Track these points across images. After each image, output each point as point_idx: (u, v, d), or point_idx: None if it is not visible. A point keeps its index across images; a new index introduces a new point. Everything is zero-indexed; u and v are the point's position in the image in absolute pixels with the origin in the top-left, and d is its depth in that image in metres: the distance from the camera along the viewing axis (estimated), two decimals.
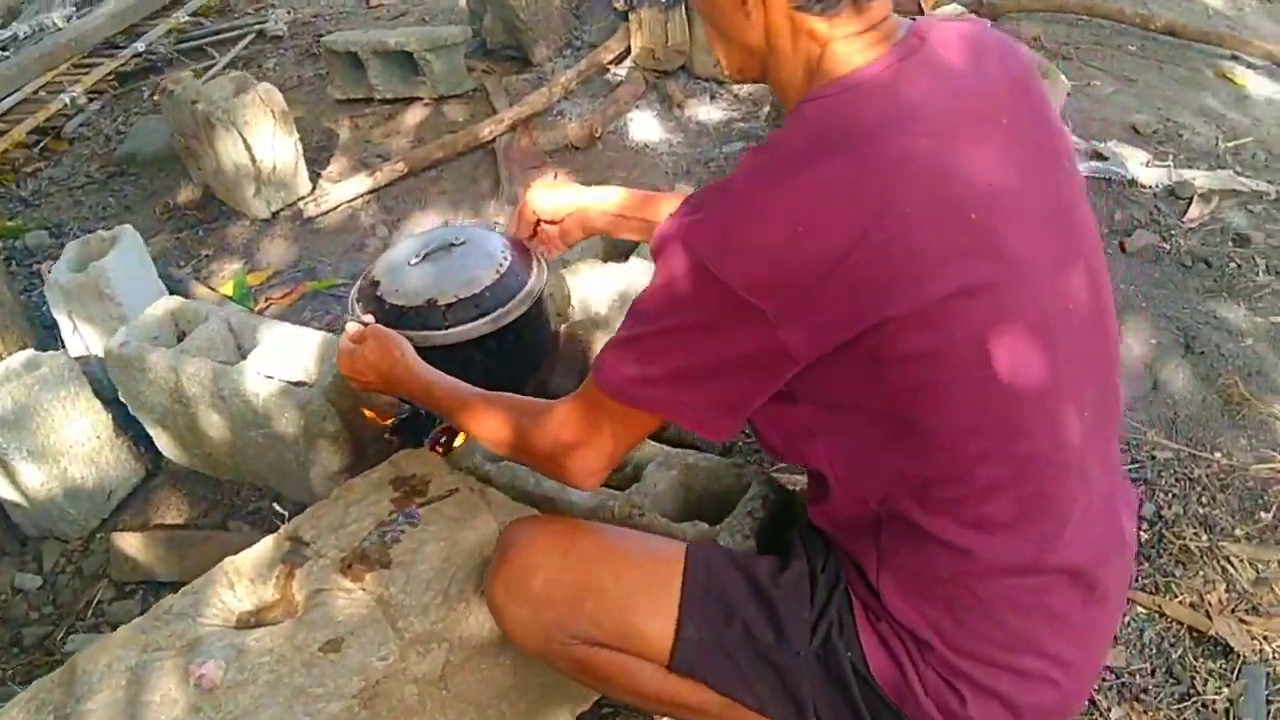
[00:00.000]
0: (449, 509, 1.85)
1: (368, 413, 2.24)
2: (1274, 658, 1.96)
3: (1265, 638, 1.98)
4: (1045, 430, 1.30)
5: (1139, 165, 3.39)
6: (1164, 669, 1.97)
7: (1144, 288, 2.93)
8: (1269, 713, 1.87)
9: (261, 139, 3.43)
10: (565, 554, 1.51)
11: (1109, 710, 1.89)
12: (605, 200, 1.96)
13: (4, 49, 5.05)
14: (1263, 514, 2.25)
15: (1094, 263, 1.38)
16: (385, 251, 2.22)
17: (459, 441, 2.14)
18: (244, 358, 2.37)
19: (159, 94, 3.75)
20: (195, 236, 3.56)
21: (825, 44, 1.26)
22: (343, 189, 3.59)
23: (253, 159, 3.43)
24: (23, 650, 2.28)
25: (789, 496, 1.89)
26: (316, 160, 3.87)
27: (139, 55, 4.93)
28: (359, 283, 2.18)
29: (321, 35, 4.94)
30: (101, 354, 2.53)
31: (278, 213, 3.57)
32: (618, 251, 2.59)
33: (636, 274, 2.44)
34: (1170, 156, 3.48)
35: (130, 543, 2.37)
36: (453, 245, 2.11)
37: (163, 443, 2.59)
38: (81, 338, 2.82)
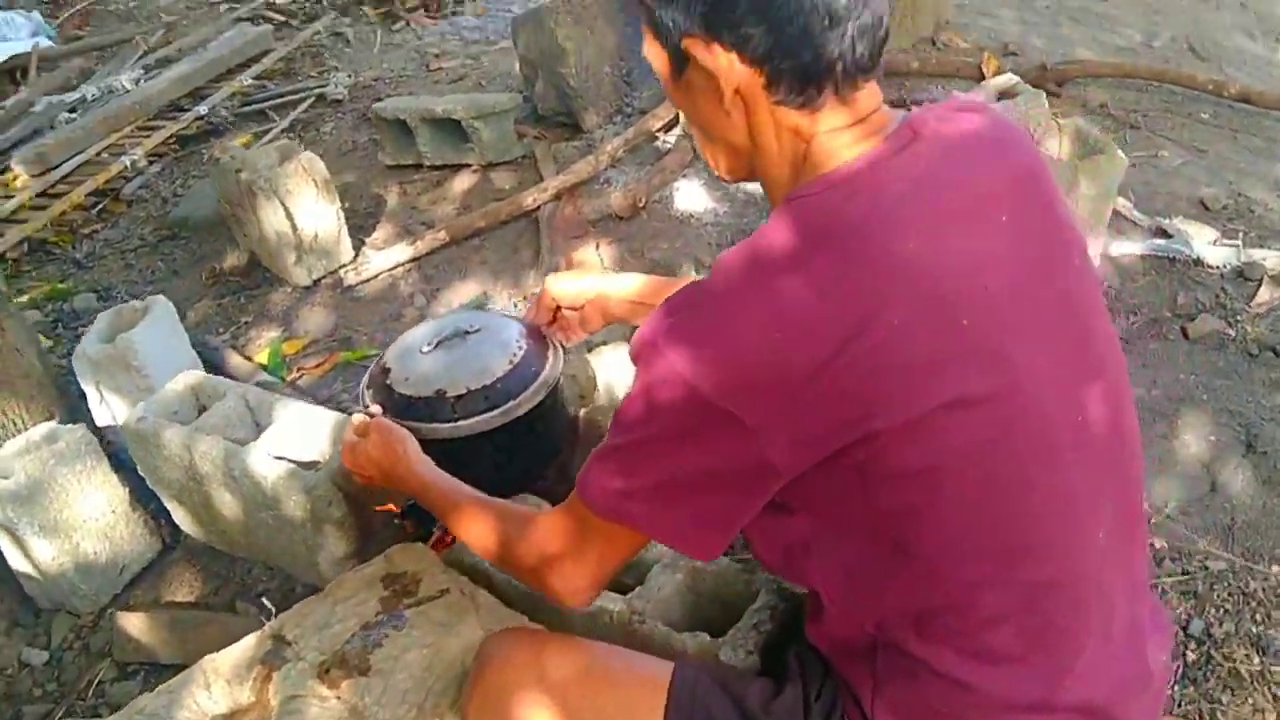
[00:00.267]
0: (437, 612, 1.77)
1: (376, 507, 2.18)
2: None
3: None
4: (1055, 555, 1.19)
5: (1205, 244, 3.23)
6: None
7: (1205, 378, 2.76)
8: None
9: (303, 207, 3.41)
10: (541, 675, 1.42)
11: None
12: (625, 287, 1.91)
13: (73, 110, 5.13)
14: None
15: (1112, 372, 1.27)
16: (400, 336, 2.17)
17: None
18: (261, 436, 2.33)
19: (210, 160, 3.77)
20: (237, 303, 3.55)
21: (810, 139, 1.18)
22: (384, 257, 3.56)
23: (294, 227, 3.41)
24: None
25: (801, 605, 1.78)
26: (363, 227, 3.86)
27: (201, 119, 4.98)
28: (371, 369, 2.13)
29: (380, 99, 4.99)
30: None
31: (319, 280, 3.55)
32: None
33: None
34: (1240, 234, 3.31)
35: (133, 623, 2.32)
36: (467, 333, 2.06)
37: (179, 517, 2.55)
38: (109, 408, 2.81)
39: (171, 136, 4.87)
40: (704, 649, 1.68)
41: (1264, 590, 2.19)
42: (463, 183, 4.03)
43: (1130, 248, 3.25)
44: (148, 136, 4.82)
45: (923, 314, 1.07)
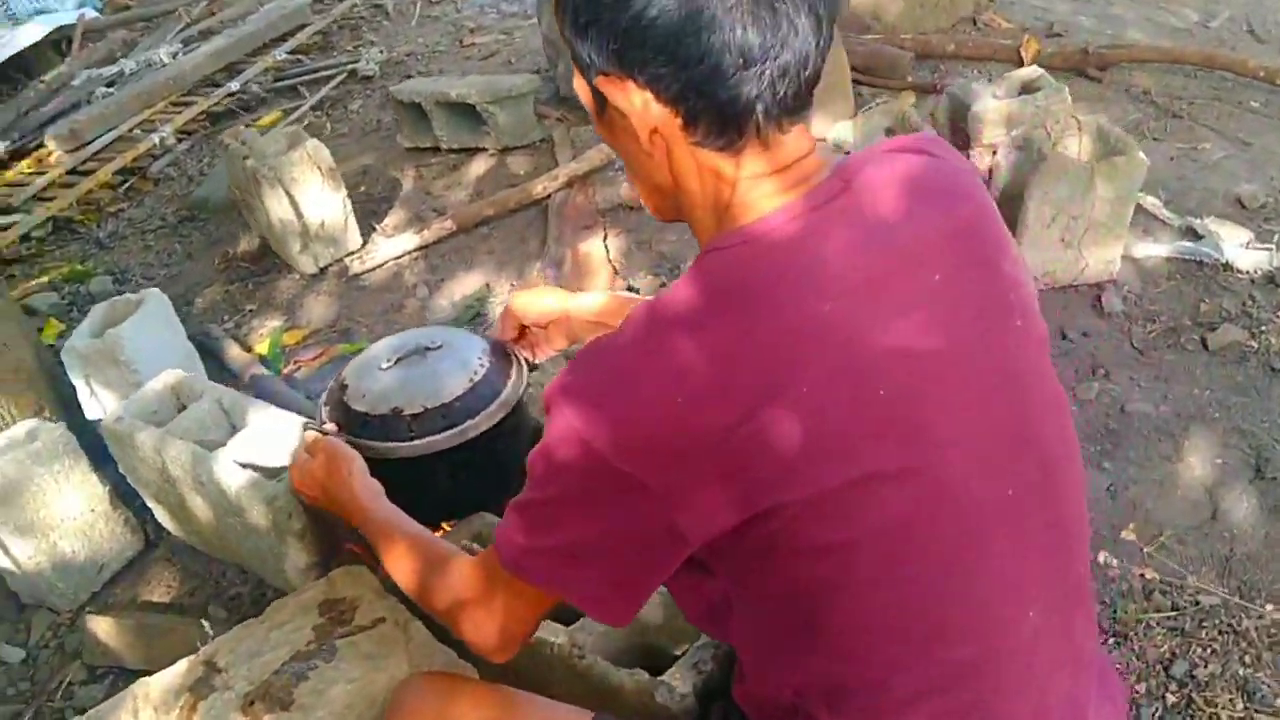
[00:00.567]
0: (368, 644, 1.74)
1: (346, 545, 2.15)
2: None
3: None
4: (977, 635, 1.11)
5: (1237, 246, 3.06)
6: None
7: (1221, 394, 2.62)
8: None
9: (308, 196, 3.38)
10: None
11: None
12: (587, 306, 1.85)
13: (110, 85, 5.15)
14: None
15: (1051, 442, 1.18)
16: (363, 352, 2.13)
17: None
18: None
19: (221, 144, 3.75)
20: (245, 289, 3.54)
21: (734, 185, 1.10)
22: (390, 246, 3.52)
23: (299, 215, 3.39)
24: None
25: None
26: (377, 212, 3.83)
27: (232, 95, 4.98)
28: (331, 384, 2.09)
29: (410, 76, 4.94)
30: None
31: (325, 268, 3.52)
32: None
33: None
34: (1276, 236, 3.14)
35: (102, 627, 2.32)
36: (428, 349, 2.02)
37: (160, 515, 2.55)
38: (100, 402, 2.81)
39: (203, 113, 4.88)
40: (641, 688, 1.62)
41: (1256, 629, 2.08)
42: (478, 167, 3.98)
43: (1155, 250, 3.10)
44: (180, 113, 4.84)
45: (835, 383, 1.00)
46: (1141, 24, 4.63)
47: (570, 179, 3.70)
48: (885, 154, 1.17)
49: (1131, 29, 4.55)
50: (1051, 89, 3.01)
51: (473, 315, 3.23)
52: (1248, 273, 3.00)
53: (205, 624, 2.06)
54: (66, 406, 2.81)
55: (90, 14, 6.18)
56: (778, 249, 1.05)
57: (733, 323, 1.01)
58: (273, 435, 2.35)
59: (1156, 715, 1.96)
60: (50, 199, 4.25)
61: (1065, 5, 4.78)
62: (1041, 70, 3.13)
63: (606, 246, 3.45)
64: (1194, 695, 1.96)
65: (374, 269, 3.49)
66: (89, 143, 4.63)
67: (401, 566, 1.46)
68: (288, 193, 3.35)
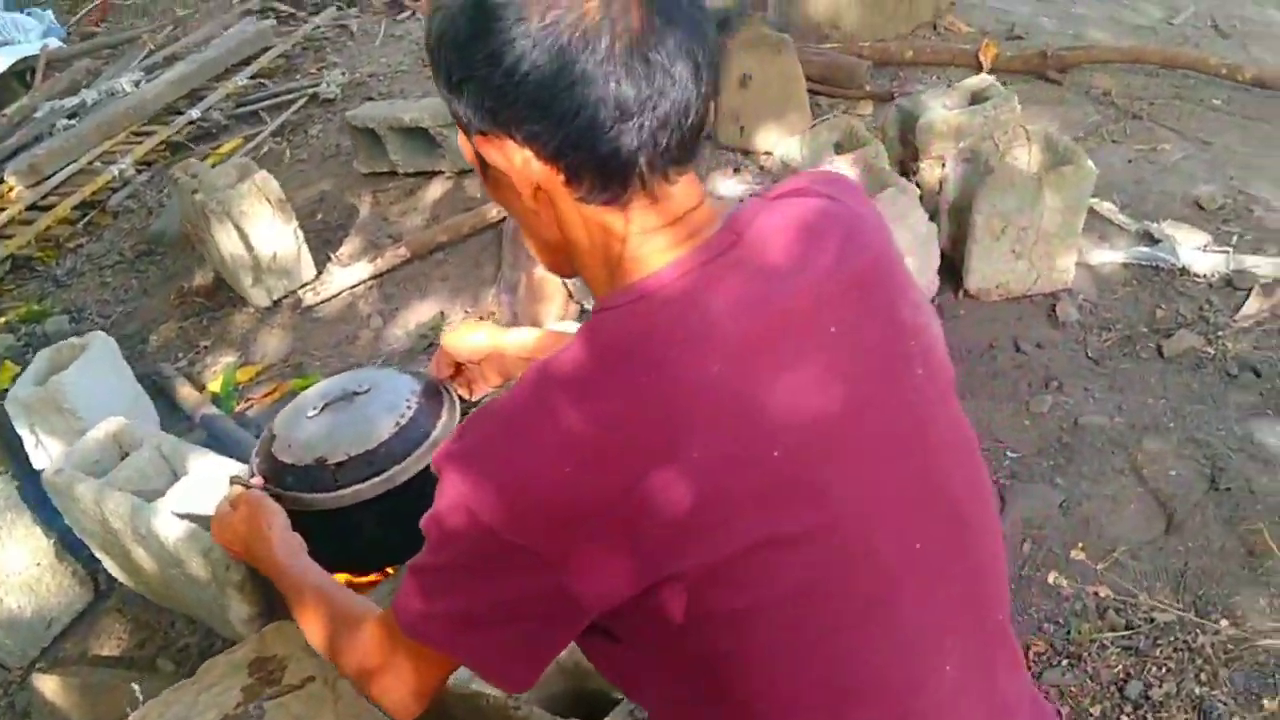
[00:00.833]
0: (296, 705, 1.70)
1: None
2: None
3: None
4: (889, 695, 1.08)
5: (1194, 250, 3.03)
6: None
7: (1176, 402, 2.60)
8: None
9: (259, 229, 3.35)
10: None
11: None
12: (520, 342, 1.81)
13: (73, 116, 5.12)
14: (1268, 701, 1.93)
15: (957, 489, 1.15)
16: (294, 399, 2.10)
17: None
18: None
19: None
20: (200, 325, 3.51)
21: (624, 240, 1.06)
22: (344, 275, 3.49)
23: (249, 249, 3.36)
24: None
25: None
26: (332, 240, 3.80)
27: (193, 123, 4.95)
28: (263, 435, 2.06)
29: (372, 98, 4.91)
30: None
31: (279, 301, 3.49)
32: None
33: None
34: (1234, 238, 3.12)
35: (49, 686, 2.30)
36: (355, 394, 1.97)
37: (108, 565, 2.51)
38: (46, 452, 2.77)
39: (163, 143, 4.84)
40: None
41: (1212, 646, 2.05)
42: (435, 190, 3.94)
43: (1111, 256, 3.07)
44: (140, 143, 4.80)
45: (727, 447, 0.96)
46: (1104, 23, 4.61)
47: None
48: (780, 200, 1.14)
49: (1093, 29, 4.53)
50: (1000, 98, 2.98)
51: (427, 345, 3.20)
52: (1205, 277, 2.97)
53: (135, 687, 2.02)
54: (15, 456, 2.78)
55: (54, 44, 6.15)
56: (668, 307, 1.02)
57: (621, 386, 0.98)
58: (214, 483, 2.31)
59: None
60: (9, 236, 4.21)
61: (1026, 7, 4.76)
62: (991, 79, 3.10)
63: None
64: (1149, 716, 1.93)
65: (328, 300, 3.46)
66: (49, 177, 4.60)
67: (312, 627, 1.43)
68: (237, 226, 3.32)
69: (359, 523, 1.91)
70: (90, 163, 4.71)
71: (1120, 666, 2.04)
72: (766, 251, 1.06)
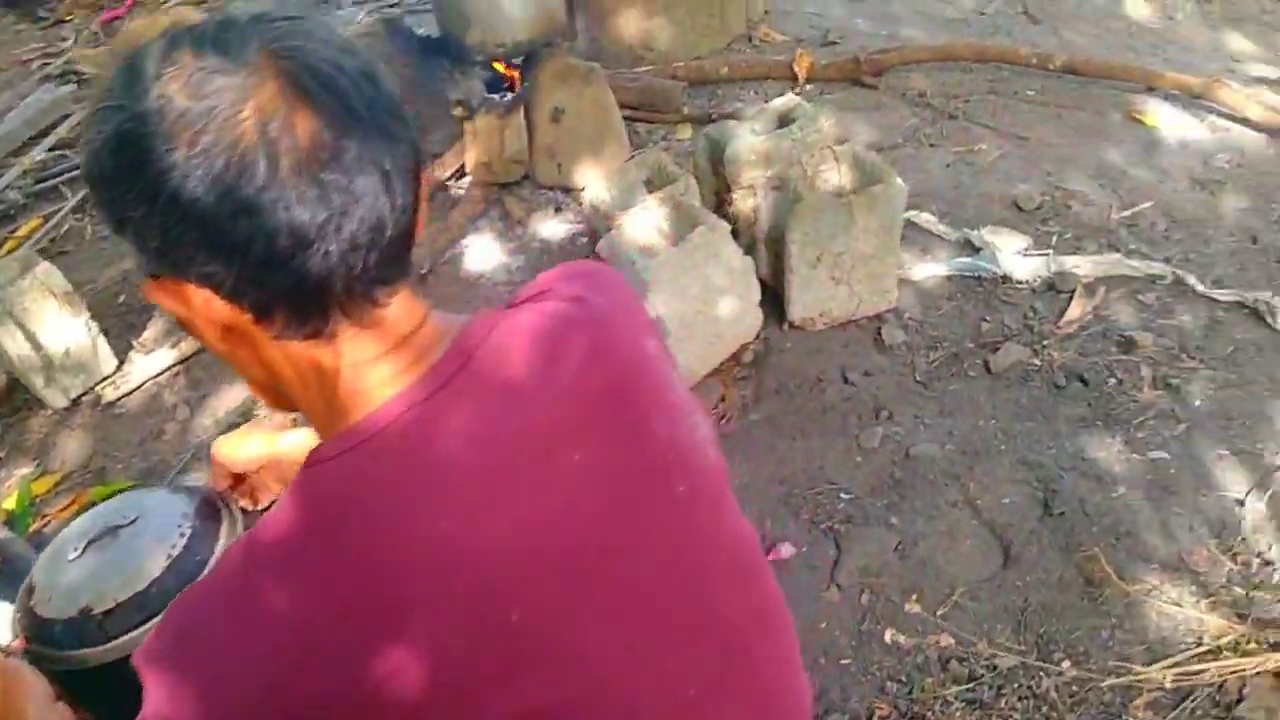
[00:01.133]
0: None
1: None
2: None
3: None
4: None
5: (1015, 255, 2.99)
6: None
7: (1006, 421, 2.53)
8: None
9: (45, 325, 3.11)
10: None
11: None
12: (299, 444, 1.64)
13: None
14: None
15: (734, 612, 1.04)
16: (53, 541, 1.89)
17: None
18: None
19: None
20: None
21: (336, 375, 0.92)
22: (147, 363, 3.26)
23: (37, 348, 3.11)
24: None
25: None
26: (135, 325, 3.55)
27: None
28: (22, 587, 1.85)
29: None
30: None
31: (78, 399, 3.25)
32: None
33: None
34: (1054, 238, 3.08)
35: None
36: (119, 526, 1.77)
37: None
38: None
39: None
40: None
41: (1056, 689, 1.98)
42: None
43: (933, 270, 3.00)
44: None
45: (461, 617, 0.84)
46: (917, 20, 4.58)
47: None
48: (518, 310, 1.01)
49: (907, 26, 4.49)
50: (807, 118, 2.89)
51: None
52: (1027, 283, 2.92)
53: None
54: None
55: None
56: (386, 455, 0.87)
57: (334, 558, 0.84)
58: None
59: None
60: None
61: (840, 9, 4.71)
62: (798, 99, 3.01)
63: None
64: None
65: (130, 393, 3.23)
66: None
67: None
68: (21, 325, 3.07)
69: (131, 677, 1.72)
70: None
71: None
72: (500, 373, 0.93)
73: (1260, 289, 2.82)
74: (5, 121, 5.27)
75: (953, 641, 2.08)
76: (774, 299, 2.89)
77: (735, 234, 2.94)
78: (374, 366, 0.91)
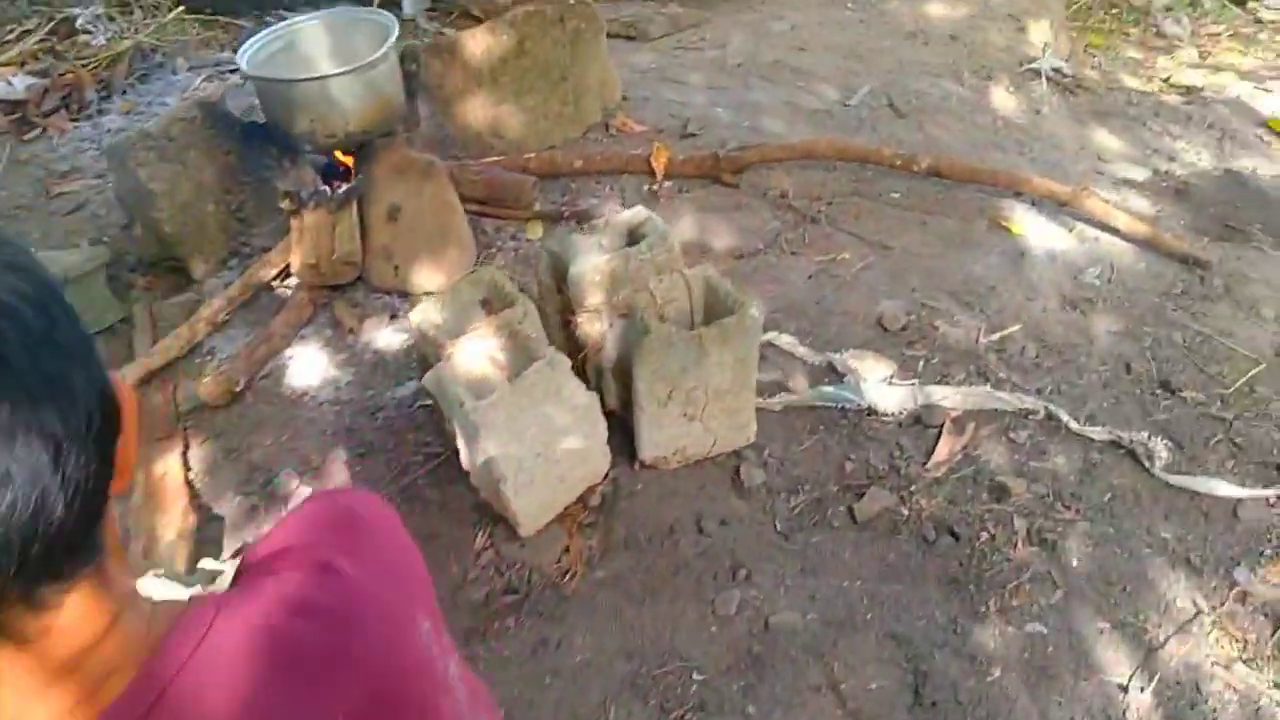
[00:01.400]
0: None
1: None
2: None
3: None
4: None
5: (879, 384, 2.79)
6: None
7: (873, 582, 2.31)
8: None
9: None
10: None
11: None
12: None
13: None
14: None
15: None
16: None
17: None
18: None
19: None
20: None
21: None
22: None
23: None
24: None
25: None
26: None
27: None
28: None
29: None
30: None
31: None
32: None
33: None
34: (920, 363, 2.89)
35: None
36: None
37: None
38: None
39: None
40: None
41: None
42: None
43: (793, 399, 2.78)
44: None
45: None
46: (780, 110, 4.40)
47: (147, 374, 3.12)
48: (237, 605, 0.75)
49: (769, 117, 4.31)
50: (656, 236, 2.65)
51: None
52: (893, 415, 2.72)
53: None
54: None
55: None
56: None
57: None
58: None
59: None
60: None
61: (700, 96, 4.51)
62: (646, 213, 2.77)
63: (187, 462, 2.89)
64: None
65: None
66: None
67: None
68: None
69: None
70: None
71: None
72: (207, 701, 0.71)
73: (1135, 424, 2.68)
74: None
75: None
76: (624, 430, 2.63)
77: (582, 359, 2.69)
78: (31, 703, 0.64)
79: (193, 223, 3.51)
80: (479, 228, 3.60)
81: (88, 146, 5.13)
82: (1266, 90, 5.20)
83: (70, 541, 0.66)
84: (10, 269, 0.66)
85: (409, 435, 2.86)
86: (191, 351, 3.25)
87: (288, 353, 3.19)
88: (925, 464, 2.58)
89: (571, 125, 4.13)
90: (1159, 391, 2.80)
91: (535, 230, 3.63)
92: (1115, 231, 3.49)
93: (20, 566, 0.62)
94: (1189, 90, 5.27)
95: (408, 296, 3.36)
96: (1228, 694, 2.07)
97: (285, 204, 3.38)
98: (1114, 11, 6.88)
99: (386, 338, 3.23)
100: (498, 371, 2.46)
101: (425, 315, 2.65)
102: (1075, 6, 6.87)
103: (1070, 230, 3.54)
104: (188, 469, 2.88)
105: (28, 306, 0.64)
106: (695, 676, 2.15)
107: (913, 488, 2.51)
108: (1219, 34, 6.77)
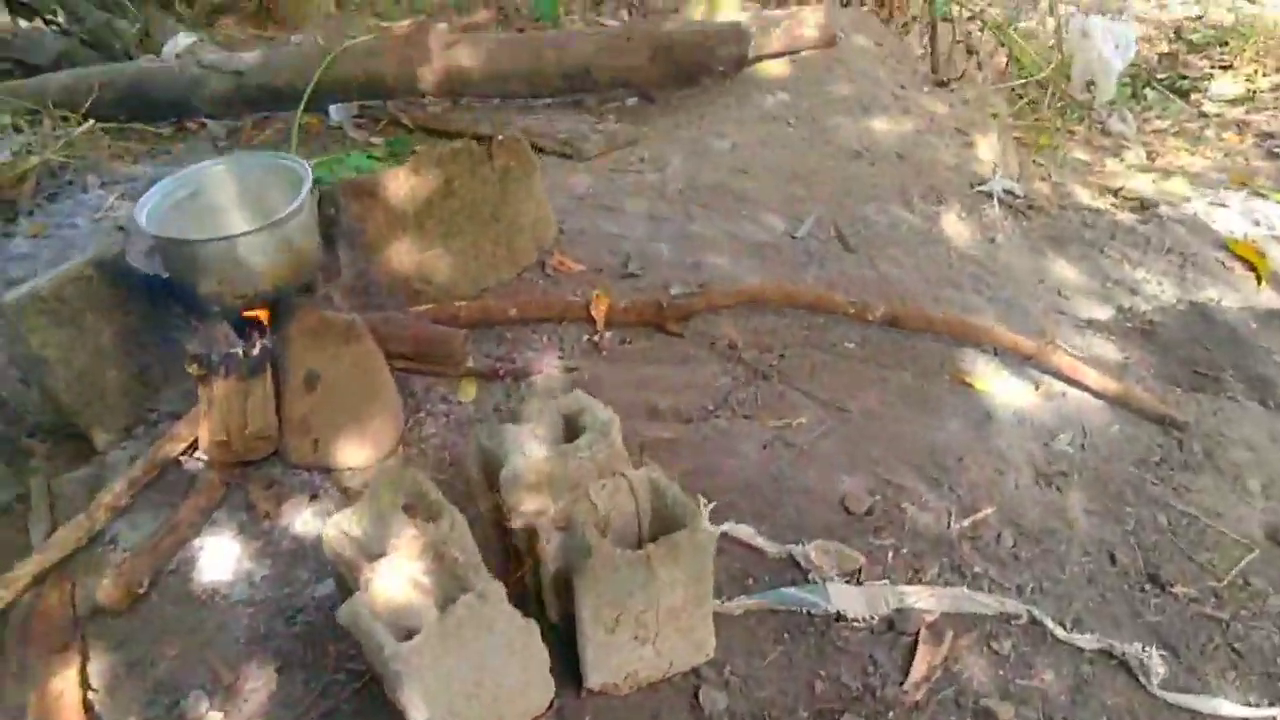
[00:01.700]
0: None
1: None
2: None
3: None
4: None
5: (845, 585, 2.54)
6: None
7: None
8: None
9: None
10: None
11: None
12: None
13: None
14: None
15: None
16: None
17: None
18: None
19: None
20: None
21: None
22: None
23: None
24: None
25: None
26: None
27: None
28: None
29: None
30: None
31: None
32: None
33: None
34: (890, 554, 2.65)
35: None
36: None
37: None
38: None
39: None
40: None
41: None
42: None
43: (754, 602, 2.52)
44: None
45: None
46: (724, 243, 4.19)
47: (41, 571, 2.79)
48: None
49: (713, 252, 4.10)
50: (598, 429, 2.40)
51: None
52: (863, 621, 2.48)
53: None
54: None
55: None
56: None
57: None
58: None
59: None
60: None
61: (640, 226, 4.28)
62: (587, 400, 2.52)
63: (85, 679, 2.56)
64: None
65: None
66: None
67: None
68: None
69: None
70: None
71: None
72: None
73: (1125, 626, 2.46)
74: None
75: None
76: (570, 642, 2.35)
77: (519, 564, 2.42)
78: None
79: (91, 391, 3.21)
80: (407, 388, 3.32)
81: None
82: (1223, 205, 5.11)
83: None
84: None
85: (330, 647, 2.55)
86: (92, 541, 2.92)
87: (196, 542, 2.88)
88: (902, 684, 2.33)
89: (505, 267, 3.89)
90: (1148, 587, 2.59)
91: (468, 390, 3.37)
92: (1085, 388, 3.30)
93: None
94: (1143, 206, 5.16)
95: (330, 473, 3.07)
96: None
97: (193, 369, 3.09)
98: (1059, 106, 6.83)
99: (305, 522, 2.93)
100: (423, 597, 2.18)
101: (340, 529, 2.36)
102: (1019, 104, 6.82)
103: (1037, 387, 3.35)
104: (86, 687, 2.55)
105: None
106: None
107: (890, 715, 2.26)
108: (1164, 130, 6.74)
